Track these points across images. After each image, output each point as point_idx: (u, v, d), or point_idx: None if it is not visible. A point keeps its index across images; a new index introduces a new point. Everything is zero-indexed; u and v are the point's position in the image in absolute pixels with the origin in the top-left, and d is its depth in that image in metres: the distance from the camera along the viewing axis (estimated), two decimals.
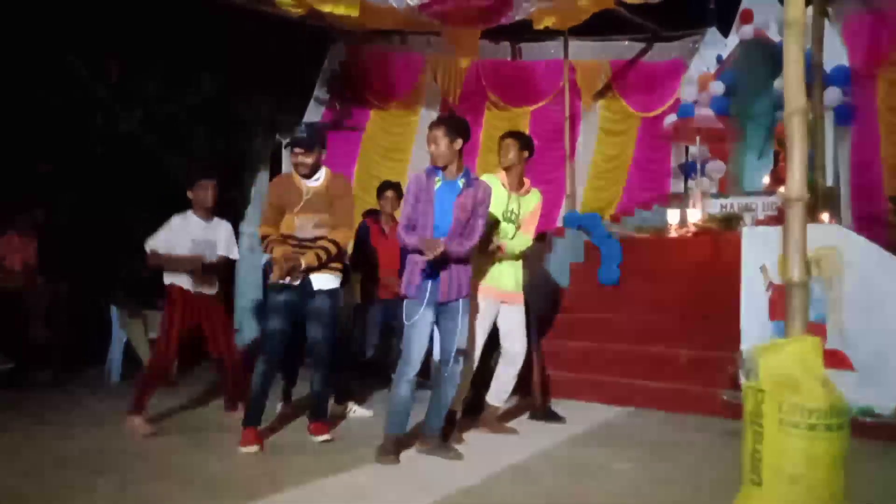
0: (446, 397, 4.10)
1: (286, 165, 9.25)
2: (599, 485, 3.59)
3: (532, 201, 4.69)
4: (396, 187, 6.25)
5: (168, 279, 4.84)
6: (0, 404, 5.42)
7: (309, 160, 4.37)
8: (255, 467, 3.81)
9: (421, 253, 3.91)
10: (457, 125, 4.10)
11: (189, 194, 4.90)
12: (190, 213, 4.91)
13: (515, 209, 4.59)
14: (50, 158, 7.59)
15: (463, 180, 4.05)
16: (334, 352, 4.50)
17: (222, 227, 5.05)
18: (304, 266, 4.23)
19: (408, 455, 4.11)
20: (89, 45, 7.46)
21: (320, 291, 4.35)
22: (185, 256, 4.81)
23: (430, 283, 3.97)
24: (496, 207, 4.43)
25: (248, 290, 9.04)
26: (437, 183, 4.05)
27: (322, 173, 4.47)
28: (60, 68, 7.46)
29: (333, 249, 4.30)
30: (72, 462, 3.87)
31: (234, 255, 5.13)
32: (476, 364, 4.59)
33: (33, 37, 7.32)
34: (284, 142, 9.04)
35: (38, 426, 4.75)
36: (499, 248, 4.51)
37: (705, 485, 3.55)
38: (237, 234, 8.91)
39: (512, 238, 4.57)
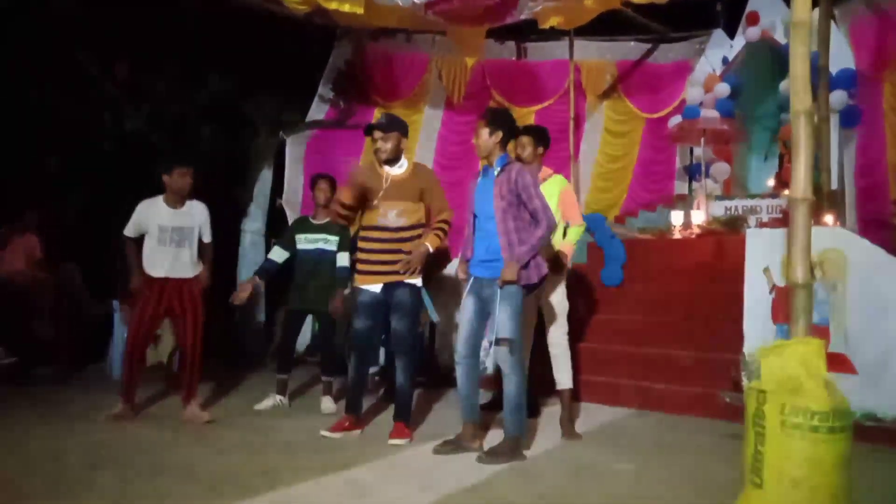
0: (508, 390, 3.98)
1: (290, 163, 9.27)
2: (600, 485, 3.57)
3: (553, 188, 4.73)
4: None
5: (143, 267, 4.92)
6: (1, 399, 5.42)
7: (388, 145, 4.42)
8: (256, 463, 3.81)
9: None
10: (497, 117, 4.14)
11: (164, 179, 4.89)
12: (159, 199, 4.91)
13: None
14: (58, 156, 7.61)
15: (498, 169, 4.07)
16: (416, 345, 4.62)
17: (197, 211, 5.02)
18: (430, 250, 4.43)
19: (410, 452, 4.11)
20: (98, 43, 7.47)
21: (404, 283, 4.42)
22: (132, 273, 4.90)
23: (475, 276, 4.09)
24: None
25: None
26: (479, 177, 4.16)
27: (405, 162, 4.52)
28: (70, 66, 7.47)
29: (447, 228, 4.51)
30: (71, 457, 3.87)
31: (207, 237, 5.09)
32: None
33: (43, 35, 7.34)
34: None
35: (37, 421, 4.76)
36: (565, 256, 4.66)
37: (707, 487, 3.54)
38: (240, 231, 9.01)
39: (564, 237, 4.74)
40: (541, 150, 4.77)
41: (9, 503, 3.14)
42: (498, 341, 3.93)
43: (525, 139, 4.74)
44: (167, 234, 4.85)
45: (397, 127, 4.50)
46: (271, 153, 9.29)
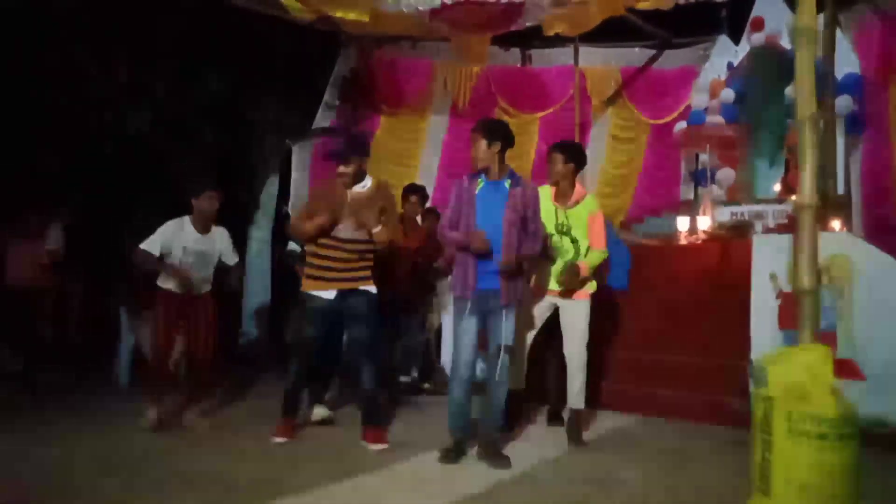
0: (497, 396, 4.11)
1: (296, 171, 9.30)
2: (606, 493, 3.57)
3: (583, 212, 4.69)
4: (421, 191, 6.25)
5: (158, 282, 4.90)
6: (8, 404, 5.45)
7: (348, 170, 4.47)
8: (263, 471, 3.81)
9: (467, 249, 4.02)
10: (495, 128, 4.17)
11: (193, 202, 4.91)
12: (187, 221, 4.91)
13: (565, 222, 4.64)
14: (58, 158, 7.64)
15: (509, 181, 4.12)
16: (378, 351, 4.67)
17: (220, 237, 5.05)
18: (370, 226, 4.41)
19: (416, 459, 4.11)
20: (100, 45, 7.51)
21: (359, 291, 4.47)
22: (177, 268, 4.80)
23: (480, 289, 4.04)
24: (547, 221, 4.51)
25: (256, 293, 9.07)
26: (480, 184, 4.12)
27: (368, 180, 4.57)
28: (70, 67, 7.51)
29: (384, 235, 4.46)
30: (78, 463, 3.89)
31: (232, 261, 5.14)
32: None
33: (43, 35, 7.38)
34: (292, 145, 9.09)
35: (44, 427, 4.78)
36: (578, 269, 4.57)
37: (714, 494, 3.53)
38: (246, 238, 9.04)
39: (584, 255, 4.66)
40: (572, 166, 4.68)
41: None
42: (504, 349, 4.05)
43: (556, 155, 4.69)
44: (190, 258, 4.88)
45: (357, 151, 4.54)
46: (277, 160, 9.32)
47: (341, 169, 4.47)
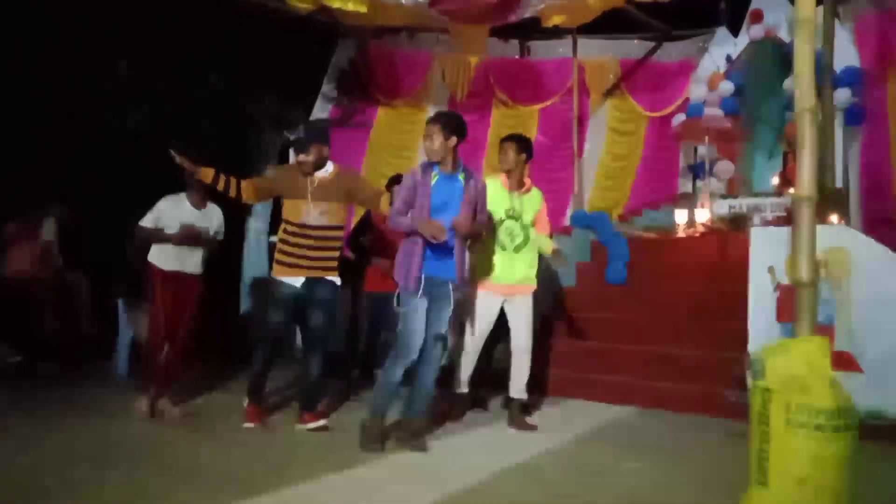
0: (426, 382, 4.22)
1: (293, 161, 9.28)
2: (605, 485, 3.58)
3: (536, 200, 4.92)
4: None
5: (149, 258, 4.89)
6: (7, 397, 5.44)
7: (309, 158, 4.55)
8: (262, 461, 3.82)
9: (416, 234, 4.03)
10: (452, 122, 4.17)
11: (186, 177, 4.88)
12: (183, 197, 4.93)
13: (518, 207, 4.80)
14: (56, 153, 7.62)
15: (463, 174, 4.18)
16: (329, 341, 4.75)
17: (215, 214, 5.07)
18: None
19: (414, 452, 4.12)
20: (98, 42, 7.48)
21: (325, 280, 4.55)
22: (181, 230, 4.83)
23: (425, 274, 4.07)
24: (498, 206, 4.69)
25: (253, 283, 9.07)
26: (435, 177, 4.14)
27: (330, 166, 4.64)
28: (70, 66, 7.48)
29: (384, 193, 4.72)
30: (78, 456, 3.88)
31: (220, 237, 5.16)
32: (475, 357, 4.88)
33: (43, 34, 7.35)
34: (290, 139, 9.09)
35: (44, 420, 4.76)
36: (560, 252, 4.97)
37: (711, 485, 3.54)
38: (245, 229, 9.03)
39: (532, 239, 4.87)
40: (524, 156, 4.82)
41: (17, 503, 3.16)
42: (439, 337, 4.19)
43: (507, 145, 4.83)
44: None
45: (316, 139, 4.60)
46: (275, 151, 9.30)
47: (301, 157, 4.55)
